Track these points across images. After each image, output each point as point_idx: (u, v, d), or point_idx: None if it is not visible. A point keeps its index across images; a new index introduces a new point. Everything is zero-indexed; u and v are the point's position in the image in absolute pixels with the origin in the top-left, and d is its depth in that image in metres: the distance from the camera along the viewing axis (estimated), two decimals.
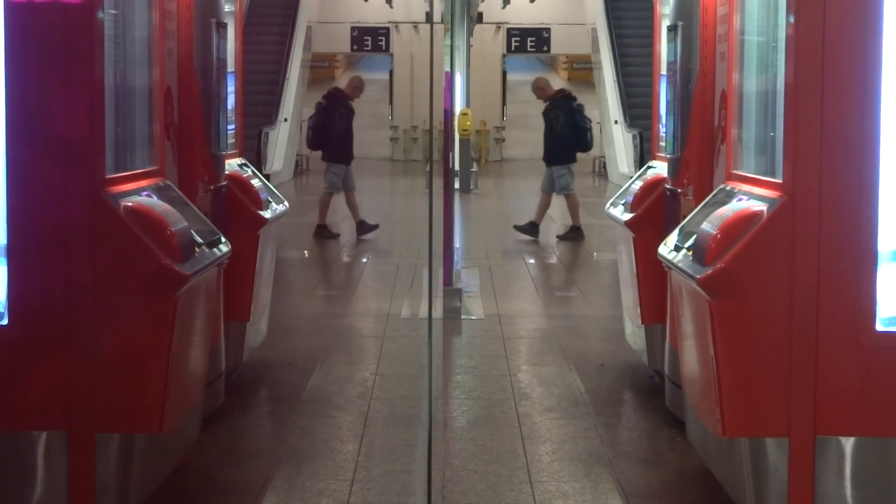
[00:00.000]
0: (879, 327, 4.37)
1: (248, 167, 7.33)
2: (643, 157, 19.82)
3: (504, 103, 37.32)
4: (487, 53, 35.19)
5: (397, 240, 15.84)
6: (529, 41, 35.15)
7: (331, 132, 14.79)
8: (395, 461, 5.72)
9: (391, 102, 36.85)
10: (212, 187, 6.23)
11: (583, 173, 30.07)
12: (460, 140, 21.81)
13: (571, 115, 14.93)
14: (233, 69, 7.05)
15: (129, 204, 4.55)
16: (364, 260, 13.76)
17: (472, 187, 23.13)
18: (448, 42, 11.72)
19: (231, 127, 6.97)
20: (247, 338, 7.01)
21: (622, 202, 7.16)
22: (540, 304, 10.23)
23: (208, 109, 6.16)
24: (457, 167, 18.88)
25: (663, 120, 6.93)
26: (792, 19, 4.39)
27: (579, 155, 15.52)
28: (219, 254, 5.17)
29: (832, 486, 4.41)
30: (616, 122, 26.52)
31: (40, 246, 4.42)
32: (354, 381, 7.34)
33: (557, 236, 14.88)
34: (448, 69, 10.92)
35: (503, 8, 33.84)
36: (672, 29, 6.36)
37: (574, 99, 15.25)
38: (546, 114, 15.15)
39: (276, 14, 28.41)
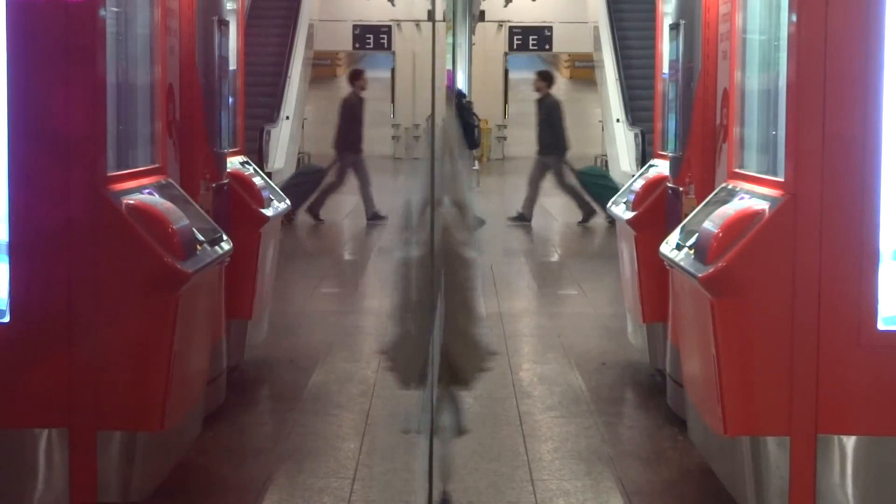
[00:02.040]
0: (881, 326, 4.37)
1: (250, 165, 7.34)
2: (645, 155, 19.82)
3: (506, 101, 37.32)
4: (489, 52, 35.20)
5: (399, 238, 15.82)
6: (531, 39, 35.15)
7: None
8: (397, 459, 5.71)
9: (393, 100, 36.86)
10: (213, 185, 6.23)
11: None
12: None
13: (458, 112, 15.05)
14: (235, 67, 7.05)
15: (131, 202, 4.56)
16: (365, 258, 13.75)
17: (473, 185, 23.13)
18: (450, 40, 11.70)
19: (233, 125, 6.97)
20: (248, 335, 7.02)
21: (624, 200, 7.16)
22: (541, 302, 10.23)
23: (210, 107, 6.16)
24: None
25: (665, 118, 6.92)
26: (794, 18, 4.39)
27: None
28: (220, 252, 5.17)
29: (833, 485, 4.41)
30: (618, 120, 26.50)
31: (42, 243, 4.43)
32: (356, 378, 7.34)
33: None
34: (450, 67, 10.92)
35: (505, 6, 33.87)
36: (674, 27, 6.36)
37: (464, 96, 15.45)
38: None
39: (278, 12, 28.42)
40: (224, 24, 6.36)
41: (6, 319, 4.44)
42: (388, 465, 5.63)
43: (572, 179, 15.99)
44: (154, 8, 5.31)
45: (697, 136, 6.03)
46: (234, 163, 6.94)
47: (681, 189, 6.25)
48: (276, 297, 8.02)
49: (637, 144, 22.80)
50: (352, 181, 16.21)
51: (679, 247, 5.07)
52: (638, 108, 24.65)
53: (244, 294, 6.77)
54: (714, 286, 4.43)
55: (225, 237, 5.36)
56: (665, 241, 5.39)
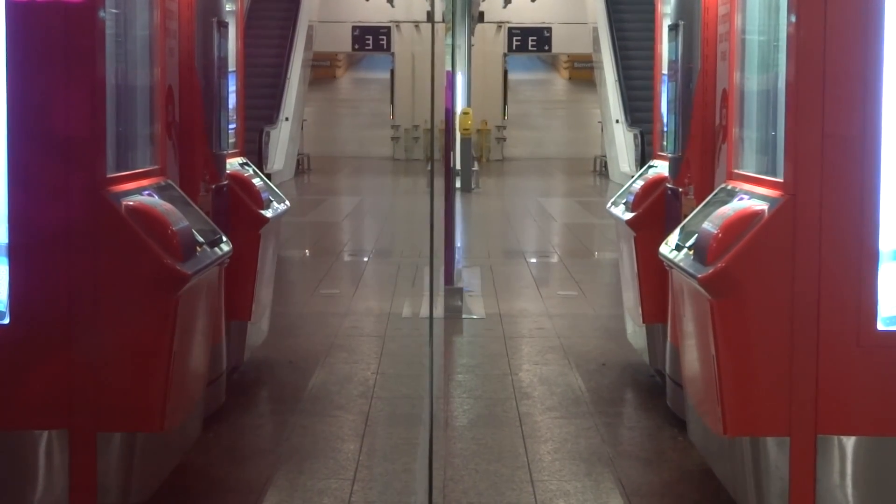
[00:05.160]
0: (880, 326, 4.37)
1: (250, 166, 7.34)
2: (644, 156, 19.85)
3: (505, 102, 37.37)
4: (489, 52, 35.22)
5: (399, 239, 15.86)
6: (531, 40, 35.17)
7: None
8: (397, 460, 5.72)
9: (392, 102, 36.90)
10: (213, 186, 6.24)
11: (584, 172, 30.11)
12: (461, 139, 21.82)
13: None
14: (234, 68, 7.06)
15: (131, 203, 4.56)
16: (365, 259, 13.77)
17: (473, 186, 23.15)
18: (449, 41, 11.72)
19: (232, 126, 6.97)
20: (248, 337, 7.02)
21: (623, 201, 7.16)
22: (541, 304, 10.24)
23: (209, 108, 6.16)
24: (458, 166, 18.90)
25: (664, 119, 6.93)
26: (793, 18, 4.39)
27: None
28: (220, 253, 5.17)
29: (833, 486, 4.41)
30: (617, 121, 26.55)
31: (42, 245, 4.43)
32: (356, 380, 7.35)
33: None
34: (449, 68, 10.92)
35: (504, 7, 33.88)
36: (673, 28, 6.36)
37: None
38: None
39: (278, 13, 28.43)
40: (223, 25, 6.36)
41: (6, 321, 4.44)
42: (387, 467, 5.63)
43: None
44: (153, 9, 5.31)
45: (697, 136, 6.03)
46: (233, 164, 6.94)
47: (680, 190, 6.25)
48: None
49: (636, 145, 22.86)
50: None
51: (678, 247, 5.08)
52: (637, 109, 24.70)
53: (244, 295, 6.77)
54: (713, 287, 4.43)
55: (224, 238, 5.36)
56: (664, 241, 5.39)
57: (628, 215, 6.95)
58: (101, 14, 4.50)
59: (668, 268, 5.31)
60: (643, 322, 6.85)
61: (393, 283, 11.37)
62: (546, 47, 35.60)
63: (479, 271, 11.91)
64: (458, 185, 17.79)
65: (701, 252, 4.62)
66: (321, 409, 6.67)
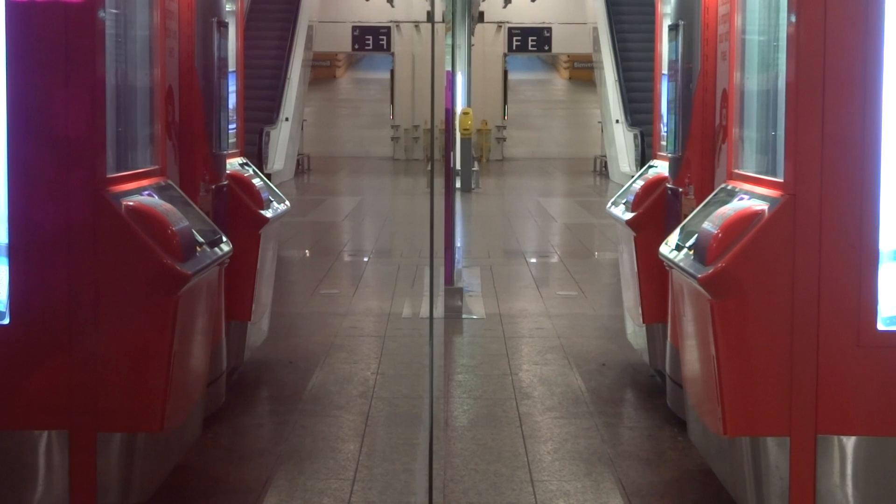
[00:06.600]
0: (880, 326, 4.37)
1: (250, 166, 7.34)
2: (644, 156, 19.86)
3: (505, 102, 37.40)
4: (489, 52, 35.25)
5: (399, 239, 15.86)
6: (531, 40, 35.21)
7: None
8: (397, 460, 5.72)
9: (392, 102, 36.93)
10: (213, 186, 6.24)
11: (584, 172, 30.11)
12: (461, 139, 21.84)
13: None
14: (234, 68, 7.06)
15: (131, 203, 4.56)
16: (365, 259, 13.77)
17: (473, 186, 23.16)
18: (449, 41, 11.72)
19: (232, 126, 6.97)
20: (248, 337, 7.02)
21: (623, 201, 7.16)
22: (541, 304, 10.24)
23: (209, 109, 6.16)
24: (458, 166, 18.91)
25: (664, 119, 6.93)
26: (793, 18, 4.39)
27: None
28: (220, 253, 5.17)
29: (833, 486, 4.41)
30: (617, 121, 26.56)
31: (41, 245, 4.43)
32: (356, 380, 7.35)
33: None
34: (449, 68, 10.93)
35: (504, 7, 33.90)
36: (673, 28, 6.36)
37: None
38: None
39: (278, 13, 28.44)
40: (223, 25, 6.36)
41: (6, 321, 4.44)
42: (388, 467, 5.63)
43: None
44: (153, 9, 5.31)
45: (697, 136, 6.03)
46: (233, 164, 6.94)
47: (680, 190, 6.25)
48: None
49: (636, 145, 22.88)
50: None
51: (678, 247, 5.08)
52: (637, 109, 24.71)
53: (244, 295, 6.77)
54: (713, 287, 4.43)
55: (224, 239, 5.36)
56: (664, 241, 5.40)
57: (628, 215, 6.95)
58: (101, 14, 4.50)
59: (668, 268, 5.31)
60: (643, 322, 6.85)
61: (393, 283, 11.37)
62: (546, 47, 35.63)
63: (479, 271, 11.92)
64: (458, 185, 17.80)
65: (701, 252, 4.62)
66: (321, 409, 6.67)
